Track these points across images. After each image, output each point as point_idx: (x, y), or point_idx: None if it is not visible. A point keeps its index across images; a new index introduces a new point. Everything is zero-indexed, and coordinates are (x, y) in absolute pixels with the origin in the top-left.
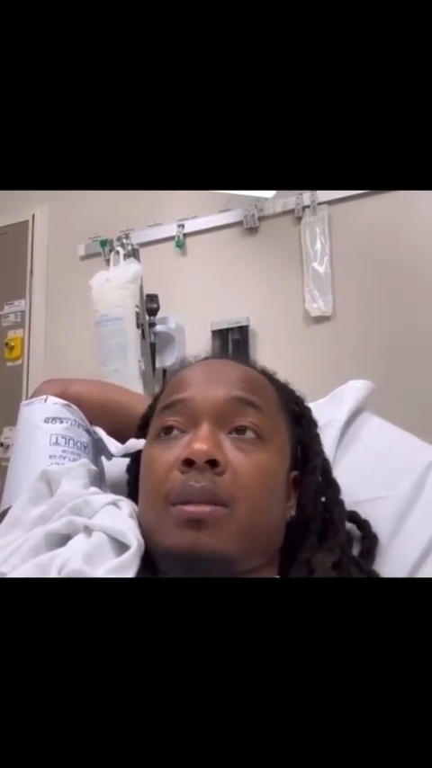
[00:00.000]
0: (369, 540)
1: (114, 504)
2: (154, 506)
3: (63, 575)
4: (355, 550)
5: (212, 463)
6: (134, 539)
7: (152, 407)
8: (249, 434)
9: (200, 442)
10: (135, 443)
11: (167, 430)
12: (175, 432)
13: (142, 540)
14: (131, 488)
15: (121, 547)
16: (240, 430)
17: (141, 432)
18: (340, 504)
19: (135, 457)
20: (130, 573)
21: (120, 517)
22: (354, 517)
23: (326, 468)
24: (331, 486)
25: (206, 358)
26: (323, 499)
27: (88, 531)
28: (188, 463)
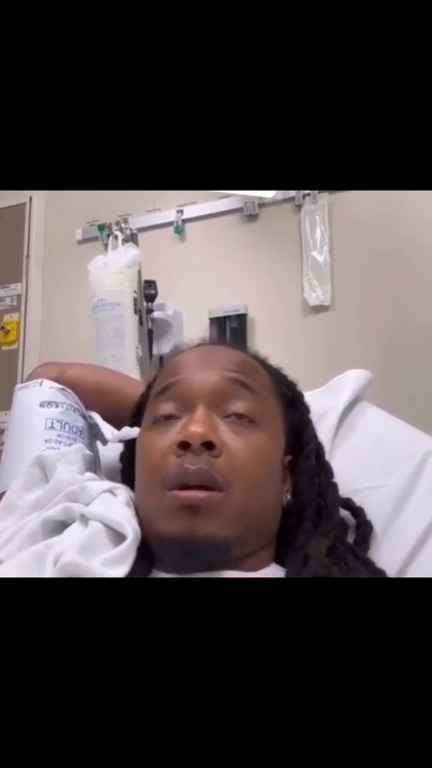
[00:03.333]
0: (364, 527)
1: (111, 491)
2: (151, 493)
3: (58, 567)
4: (350, 538)
5: (208, 445)
6: (131, 529)
7: (145, 395)
8: (244, 418)
9: (195, 425)
10: (129, 431)
11: (163, 415)
12: (170, 417)
13: (139, 530)
14: (125, 476)
15: (118, 536)
16: (237, 416)
17: (135, 419)
18: (333, 486)
19: (129, 444)
20: (127, 563)
21: (116, 506)
22: (348, 504)
23: (319, 452)
24: (324, 470)
25: (198, 344)
26: (317, 485)
27: (84, 519)
28: (184, 446)
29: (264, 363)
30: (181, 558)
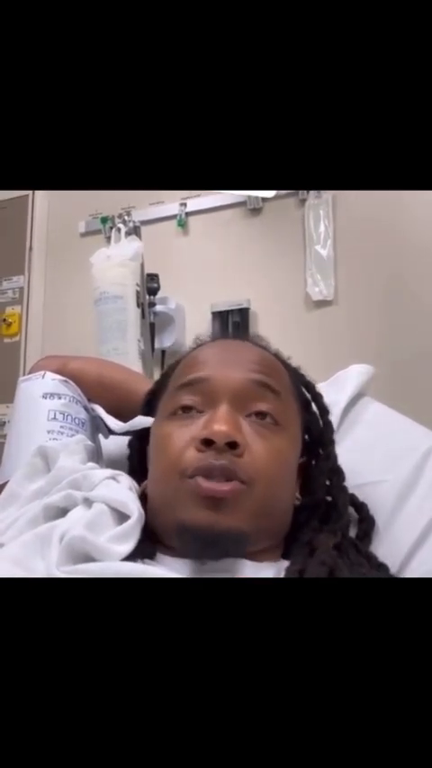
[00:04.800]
0: (366, 522)
1: (113, 478)
2: (169, 481)
3: (65, 541)
4: (352, 532)
5: (232, 445)
6: (135, 509)
7: (161, 384)
8: (267, 420)
9: (219, 423)
10: (142, 420)
11: (184, 408)
12: (191, 410)
13: (142, 511)
14: (132, 464)
15: (122, 517)
16: (259, 414)
17: (148, 408)
18: (345, 490)
19: (139, 434)
20: (132, 541)
21: (119, 489)
22: (351, 500)
23: (335, 455)
24: (337, 473)
25: (222, 338)
26: (327, 483)
27: (88, 502)
28: (207, 443)
29: (284, 362)
30: (200, 548)
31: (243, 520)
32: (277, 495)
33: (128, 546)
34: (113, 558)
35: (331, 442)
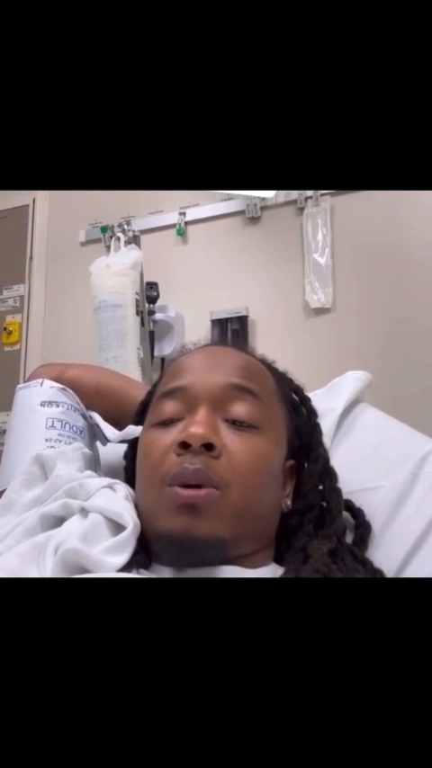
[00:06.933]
0: (363, 528)
1: (110, 487)
2: (151, 489)
3: (59, 554)
4: (349, 538)
5: (208, 447)
6: (130, 519)
7: (150, 394)
8: (247, 423)
9: (196, 426)
10: (133, 430)
11: (167, 416)
12: (173, 417)
13: (138, 521)
14: (129, 474)
15: (117, 527)
16: (238, 420)
17: (139, 418)
18: (338, 492)
19: (133, 443)
20: (127, 552)
21: (116, 499)
22: (348, 505)
23: (325, 458)
24: (329, 475)
25: (206, 345)
26: (321, 487)
27: (84, 512)
28: (184, 446)
29: (270, 367)
30: (178, 555)
31: (220, 526)
32: (256, 498)
33: (122, 558)
34: (107, 570)
35: (320, 445)
